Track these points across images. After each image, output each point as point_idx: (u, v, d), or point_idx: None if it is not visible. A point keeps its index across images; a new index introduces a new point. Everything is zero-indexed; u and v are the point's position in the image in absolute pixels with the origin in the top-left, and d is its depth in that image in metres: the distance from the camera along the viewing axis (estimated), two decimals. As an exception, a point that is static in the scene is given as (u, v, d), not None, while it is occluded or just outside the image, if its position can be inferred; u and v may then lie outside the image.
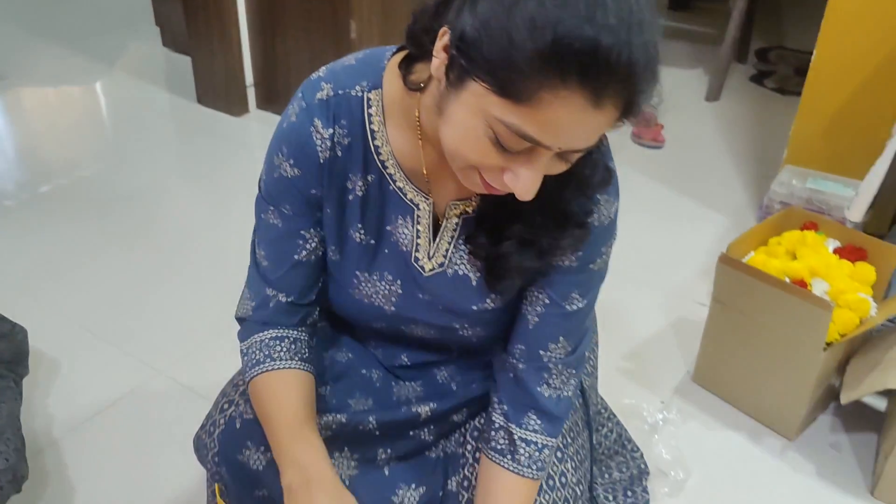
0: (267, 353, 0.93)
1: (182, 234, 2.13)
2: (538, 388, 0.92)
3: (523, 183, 0.71)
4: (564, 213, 0.81)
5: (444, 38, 0.70)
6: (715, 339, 1.54)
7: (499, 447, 0.93)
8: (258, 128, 2.71)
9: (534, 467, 0.92)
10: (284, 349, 0.93)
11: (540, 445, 0.92)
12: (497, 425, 0.93)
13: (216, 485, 0.99)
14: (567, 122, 0.66)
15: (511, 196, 0.75)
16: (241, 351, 0.95)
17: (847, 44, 1.86)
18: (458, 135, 0.71)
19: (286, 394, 0.91)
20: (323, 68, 0.87)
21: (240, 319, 0.98)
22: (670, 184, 2.43)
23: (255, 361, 0.93)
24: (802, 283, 1.39)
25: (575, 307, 0.90)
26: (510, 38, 0.63)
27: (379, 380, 1.05)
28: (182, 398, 1.55)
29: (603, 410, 1.36)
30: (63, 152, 2.58)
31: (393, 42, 0.87)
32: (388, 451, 1.01)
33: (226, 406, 1.00)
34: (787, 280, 1.39)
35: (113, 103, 2.95)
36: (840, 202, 1.82)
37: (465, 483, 0.97)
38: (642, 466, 1.36)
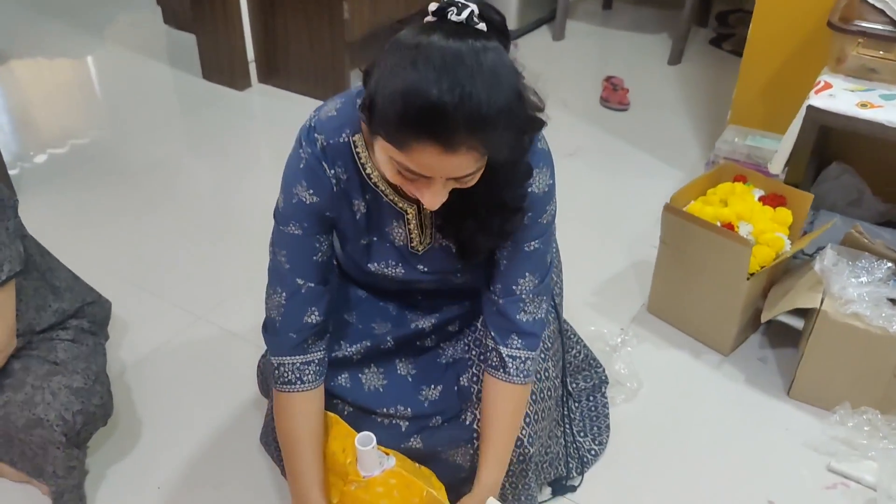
0: (298, 375, 1.19)
1: (198, 198, 2.39)
2: (517, 316, 1.20)
3: (427, 200, 0.98)
4: (501, 204, 1.08)
5: (363, 104, 0.95)
6: (664, 276, 1.85)
7: (493, 364, 1.22)
8: (260, 100, 2.96)
9: (521, 376, 1.21)
10: (312, 372, 1.20)
11: (523, 358, 1.22)
12: (489, 347, 1.23)
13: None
14: (432, 164, 0.91)
15: (462, 199, 1.02)
16: (272, 363, 1.20)
17: (781, 12, 2.13)
18: (381, 166, 0.98)
19: (310, 425, 1.20)
20: (314, 117, 1.12)
21: (269, 323, 1.19)
22: (634, 143, 2.71)
23: (286, 380, 1.19)
24: (730, 226, 1.69)
25: (533, 248, 1.18)
26: (383, 107, 0.89)
27: (395, 309, 1.35)
28: (219, 337, 1.85)
29: (572, 335, 1.67)
30: (81, 124, 2.82)
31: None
32: (404, 359, 1.33)
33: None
34: (719, 223, 1.69)
35: (122, 78, 3.16)
36: (773, 156, 2.12)
37: (475, 378, 1.28)
38: (603, 378, 1.68)
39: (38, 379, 1.37)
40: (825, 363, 1.59)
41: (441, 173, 0.94)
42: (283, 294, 1.17)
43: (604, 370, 1.69)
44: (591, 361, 1.70)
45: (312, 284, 1.17)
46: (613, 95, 2.98)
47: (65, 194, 2.39)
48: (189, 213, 2.32)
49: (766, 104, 2.22)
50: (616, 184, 2.47)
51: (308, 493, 1.18)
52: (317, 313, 1.18)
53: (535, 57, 3.40)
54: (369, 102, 0.92)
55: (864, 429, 1.53)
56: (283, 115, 2.84)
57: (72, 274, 1.59)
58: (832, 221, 1.76)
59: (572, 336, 1.68)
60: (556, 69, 3.30)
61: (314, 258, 1.16)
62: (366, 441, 1.09)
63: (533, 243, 1.17)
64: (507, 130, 0.92)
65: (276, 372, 1.20)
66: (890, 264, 1.58)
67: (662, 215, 1.75)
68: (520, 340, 1.21)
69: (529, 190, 1.11)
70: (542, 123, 0.98)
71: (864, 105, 1.63)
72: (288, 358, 1.19)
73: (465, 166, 0.93)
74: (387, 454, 1.18)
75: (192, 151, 2.68)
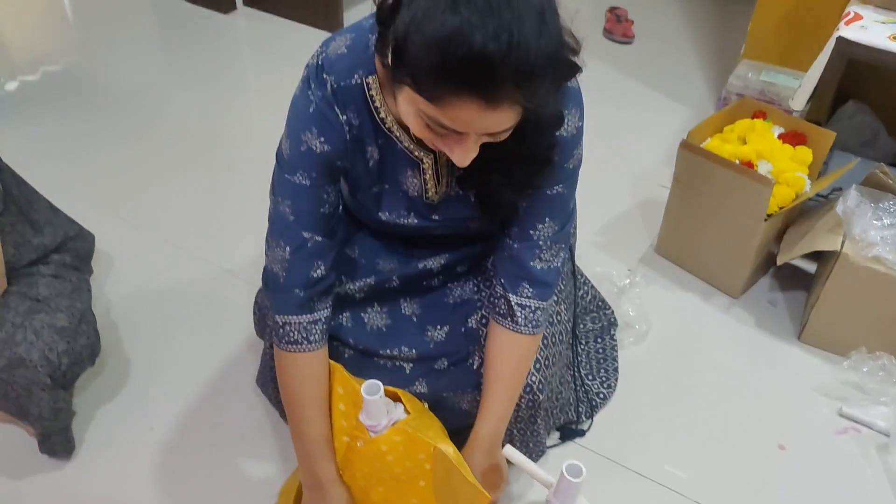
0: (304, 335, 1.10)
1: (182, 127, 2.26)
2: (531, 263, 1.12)
3: (457, 157, 0.88)
4: (531, 156, 0.98)
5: (385, 45, 0.83)
6: (675, 215, 1.78)
7: (501, 311, 1.14)
8: (246, 25, 2.79)
9: (529, 326, 1.13)
10: (318, 331, 1.10)
11: (533, 308, 1.13)
12: (498, 294, 1.15)
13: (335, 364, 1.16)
14: (471, 119, 0.81)
15: (487, 151, 0.91)
16: (276, 321, 1.10)
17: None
18: (405, 116, 0.88)
19: (317, 386, 1.12)
20: (321, 55, 1.00)
21: (272, 279, 1.09)
22: (639, 77, 2.60)
23: (292, 340, 1.10)
24: (750, 165, 1.61)
25: (556, 192, 1.08)
26: (416, 56, 0.78)
27: (400, 245, 1.27)
28: (211, 273, 1.76)
29: (580, 276, 1.61)
30: (53, 49, 2.65)
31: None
32: (409, 299, 1.25)
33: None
34: (737, 162, 1.62)
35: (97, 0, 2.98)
36: (789, 93, 2.03)
37: (484, 321, 1.21)
38: (612, 320, 1.63)
39: (19, 316, 1.28)
40: (841, 307, 1.55)
41: (478, 129, 0.84)
42: (287, 248, 1.06)
43: (612, 312, 1.64)
44: (600, 303, 1.64)
45: (319, 238, 1.07)
46: (617, 27, 2.85)
47: (39, 123, 2.25)
48: (173, 142, 2.19)
49: (782, 38, 2.13)
50: (621, 120, 2.37)
51: (318, 465, 1.12)
52: (323, 268, 1.09)
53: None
54: (395, 47, 0.81)
55: (879, 374, 1.50)
56: (270, 40, 2.69)
57: (51, 206, 1.48)
58: (854, 161, 1.69)
59: (580, 277, 1.62)
60: (557, -2, 3.15)
61: (321, 210, 1.06)
62: (372, 390, 1.02)
63: (556, 187, 1.08)
64: (553, 81, 0.82)
65: (281, 331, 1.11)
66: (914, 206, 1.52)
67: (678, 152, 1.67)
68: (531, 289, 1.13)
69: (557, 134, 1.01)
70: (578, 69, 0.87)
71: (896, 37, 1.54)
72: (294, 317, 1.10)
73: (504, 122, 0.83)
74: (395, 398, 1.12)
75: (174, 78, 2.53)
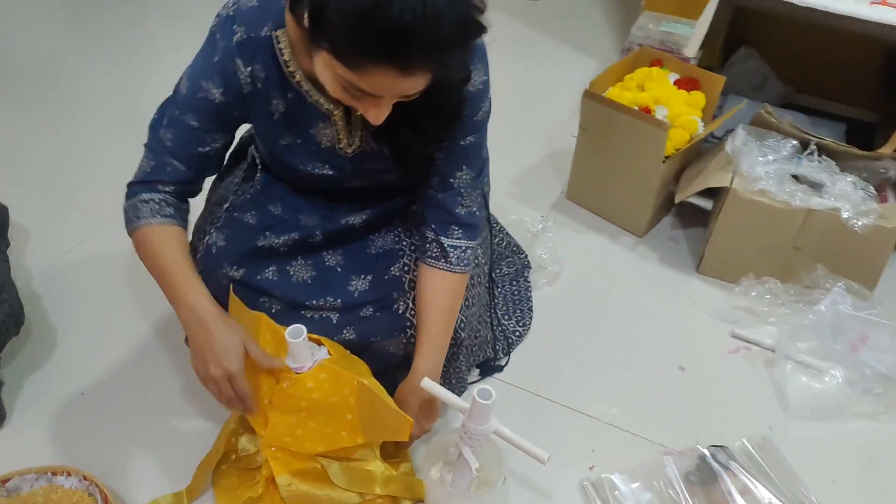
0: (135, 213, 1.13)
1: (92, 94, 2.23)
2: (456, 209, 1.22)
3: (371, 116, 0.97)
4: (441, 111, 1.07)
5: (300, 5, 0.89)
6: (583, 162, 1.88)
7: (434, 255, 1.23)
8: (154, -11, 2.73)
9: (461, 264, 1.23)
10: (148, 210, 1.13)
11: (464, 247, 1.23)
12: (430, 239, 1.23)
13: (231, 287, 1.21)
14: (387, 85, 0.90)
15: (399, 107, 0.98)
16: (123, 209, 1.15)
17: None
18: (322, 78, 0.95)
19: (164, 249, 1.12)
20: (232, 5, 1.05)
21: (130, 183, 1.16)
22: (547, 31, 2.68)
23: (127, 220, 1.15)
24: (647, 110, 1.72)
25: (469, 142, 1.18)
26: (336, 24, 0.84)
27: (322, 202, 1.32)
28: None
29: (495, 224, 1.69)
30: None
31: None
32: (332, 251, 1.31)
33: (202, 236, 1.25)
34: (636, 108, 1.72)
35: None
36: (686, 42, 2.15)
37: (406, 268, 1.29)
38: (526, 263, 1.72)
39: (-63, 289, 1.28)
40: (732, 239, 1.68)
41: (393, 93, 0.92)
42: (152, 164, 1.13)
43: (526, 256, 1.73)
44: (514, 248, 1.73)
45: (184, 169, 1.13)
46: (526, -18, 2.92)
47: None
48: (83, 110, 2.16)
49: (679, -11, 2.23)
50: (530, 74, 2.45)
51: (193, 296, 1.09)
52: (171, 188, 1.14)
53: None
54: (312, 11, 0.86)
55: (766, 297, 1.64)
56: (178, 2, 2.64)
57: None
58: (742, 103, 1.81)
59: (495, 224, 1.70)
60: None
61: (199, 149, 1.13)
62: (296, 333, 1.09)
63: (469, 138, 1.17)
64: (463, 48, 0.91)
65: (124, 218, 1.15)
66: (795, 142, 1.66)
67: (582, 101, 1.76)
68: (460, 231, 1.23)
69: (465, 89, 1.09)
70: (484, 29, 0.94)
71: (775, -15, 1.66)
72: (128, 201, 1.15)
73: (418, 85, 0.91)
74: (319, 344, 1.18)
75: (81, 44, 2.47)
